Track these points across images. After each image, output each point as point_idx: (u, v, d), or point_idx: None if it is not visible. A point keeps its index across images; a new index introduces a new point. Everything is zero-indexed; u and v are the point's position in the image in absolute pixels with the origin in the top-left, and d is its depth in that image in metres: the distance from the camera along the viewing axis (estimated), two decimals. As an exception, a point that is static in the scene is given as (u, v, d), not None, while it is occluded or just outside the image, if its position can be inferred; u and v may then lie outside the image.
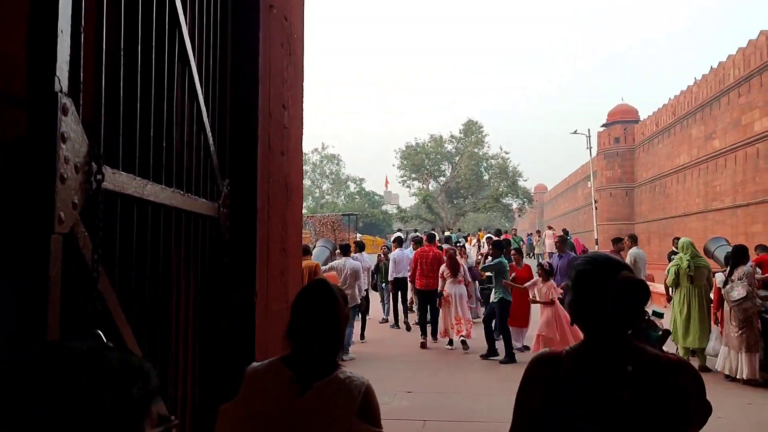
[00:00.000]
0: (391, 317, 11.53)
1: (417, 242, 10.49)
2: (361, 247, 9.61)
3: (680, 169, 36.31)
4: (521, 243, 23.54)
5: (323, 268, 8.13)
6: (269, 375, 1.65)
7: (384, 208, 58.50)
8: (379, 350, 8.79)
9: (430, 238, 10.60)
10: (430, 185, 49.74)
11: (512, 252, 8.81)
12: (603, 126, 45.52)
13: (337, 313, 1.64)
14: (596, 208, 33.48)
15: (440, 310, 9.07)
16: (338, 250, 9.01)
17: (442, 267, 9.19)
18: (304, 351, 1.58)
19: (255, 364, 1.76)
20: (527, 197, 46.92)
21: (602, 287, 1.48)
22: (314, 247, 8.88)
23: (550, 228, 23.93)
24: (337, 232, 25.38)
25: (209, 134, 2.25)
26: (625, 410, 1.43)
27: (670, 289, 8.33)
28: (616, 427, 1.42)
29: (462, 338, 8.83)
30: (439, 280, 9.18)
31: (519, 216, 53.72)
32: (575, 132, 35.29)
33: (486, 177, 48.31)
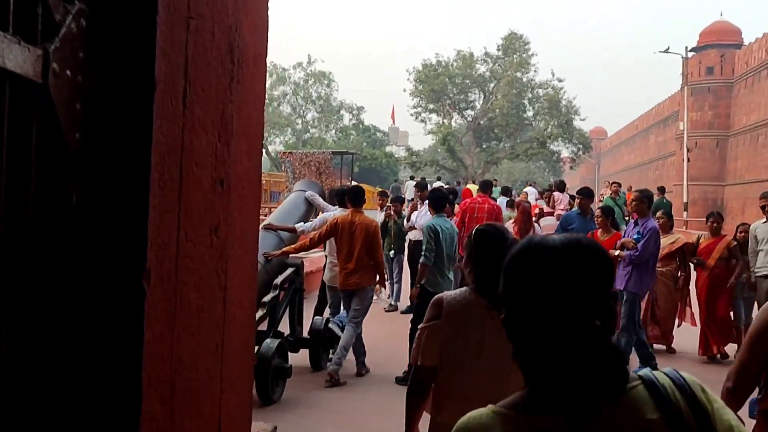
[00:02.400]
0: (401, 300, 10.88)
1: (435, 200, 8.50)
2: (356, 196, 7.74)
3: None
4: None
5: (302, 226, 7.05)
6: (465, 303, 2.84)
7: (388, 149, 57.30)
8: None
9: (485, 186, 10.75)
10: (453, 120, 48.54)
11: (598, 214, 7.74)
12: (692, 51, 43.74)
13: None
14: (688, 159, 32.11)
15: None
16: (335, 198, 7.88)
17: (508, 225, 8.88)
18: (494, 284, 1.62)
19: (448, 293, 3.04)
20: (584, 143, 45.71)
21: None
22: (288, 192, 7.69)
23: (615, 183, 22.85)
24: (325, 177, 24.33)
25: None
26: None
27: None
28: None
29: None
30: None
31: (572, 168, 52.48)
32: (667, 50, 33.58)
33: (530, 113, 47.03)
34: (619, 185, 15.62)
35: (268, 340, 5.61)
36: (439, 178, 32.15)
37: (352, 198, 7.45)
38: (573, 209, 9.09)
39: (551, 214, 11.11)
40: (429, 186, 13.80)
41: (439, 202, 7.37)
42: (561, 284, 1.24)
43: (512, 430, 1.28)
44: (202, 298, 1.80)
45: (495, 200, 10.97)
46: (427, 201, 10.87)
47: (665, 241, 7.91)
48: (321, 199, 7.56)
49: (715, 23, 44.56)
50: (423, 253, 6.80)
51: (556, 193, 12.33)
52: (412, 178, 31.50)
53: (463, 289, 2.95)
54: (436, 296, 3.03)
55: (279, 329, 6.16)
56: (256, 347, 5.38)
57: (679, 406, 1.25)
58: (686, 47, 38.24)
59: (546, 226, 9.92)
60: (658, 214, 8.40)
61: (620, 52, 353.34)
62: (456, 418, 1.40)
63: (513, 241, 2.81)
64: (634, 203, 7.44)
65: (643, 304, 7.68)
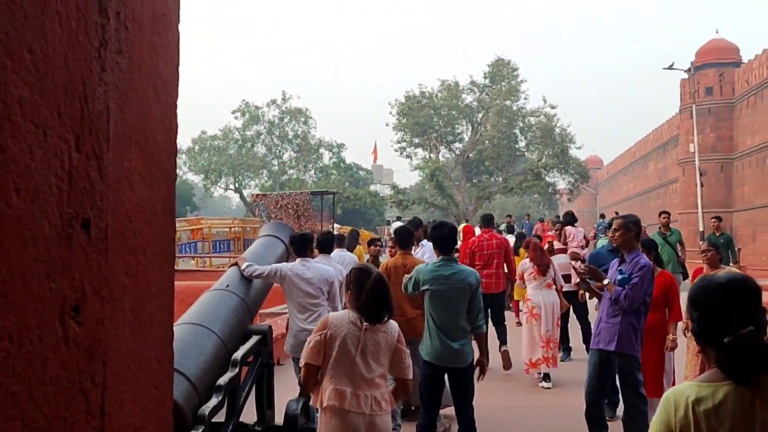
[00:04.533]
0: None
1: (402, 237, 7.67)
2: (404, 238, 7.40)
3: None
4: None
5: (262, 269, 5.90)
6: (346, 319, 4.03)
7: (373, 188, 56.67)
8: None
9: (487, 220, 10.61)
10: (440, 154, 48.07)
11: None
12: (687, 72, 43.69)
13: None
14: (701, 184, 31.49)
15: (523, 326, 9.10)
16: (314, 245, 6.86)
17: (525, 263, 9.02)
18: (369, 309, 4.03)
19: (332, 314, 4.34)
20: (582, 173, 45.28)
21: None
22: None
23: (616, 214, 22.26)
24: (304, 220, 23.49)
25: None
26: None
27: None
28: None
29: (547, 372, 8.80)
30: (517, 280, 9.47)
31: (570, 200, 51.99)
32: (671, 66, 33.34)
33: (522, 143, 46.69)
34: (669, 214, 12.99)
35: None
36: (398, 218, 32.17)
37: (399, 239, 7.34)
38: (600, 246, 8.13)
39: (563, 251, 10.34)
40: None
41: (408, 236, 6.85)
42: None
43: (708, 393, 2.04)
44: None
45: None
46: (424, 241, 10.26)
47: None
48: (262, 267, 5.95)
49: (711, 41, 44.73)
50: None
51: (568, 228, 11.48)
52: (398, 218, 30.88)
53: (344, 311, 4.31)
54: (324, 317, 4.31)
55: (241, 420, 4.95)
56: None
57: None
58: (692, 62, 37.96)
59: (560, 265, 9.37)
60: (703, 246, 7.47)
61: (611, 75, 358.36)
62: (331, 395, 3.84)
63: (378, 277, 4.21)
64: (617, 233, 5.92)
65: None
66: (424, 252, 9.99)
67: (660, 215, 12.55)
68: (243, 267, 5.84)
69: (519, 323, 10.82)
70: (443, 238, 5.97)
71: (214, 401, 4.44)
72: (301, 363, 4.06)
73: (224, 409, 4.66)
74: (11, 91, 0.95)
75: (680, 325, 6.72)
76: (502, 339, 9.14)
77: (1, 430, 0.94)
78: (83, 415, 1.11)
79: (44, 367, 1.02)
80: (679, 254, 11.81)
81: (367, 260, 9.62)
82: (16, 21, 0.97)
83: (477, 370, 5.66)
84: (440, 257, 5.88)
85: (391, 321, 4.10)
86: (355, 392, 3.86)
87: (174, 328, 4.73)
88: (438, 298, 5.62)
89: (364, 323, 3.92)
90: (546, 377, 8.74)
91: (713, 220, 14.28)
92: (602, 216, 26.95)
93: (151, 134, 1.37)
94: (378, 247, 9.99)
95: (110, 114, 1.20)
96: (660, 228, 12.19)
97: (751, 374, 1.99)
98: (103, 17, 1.17)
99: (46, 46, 1.03)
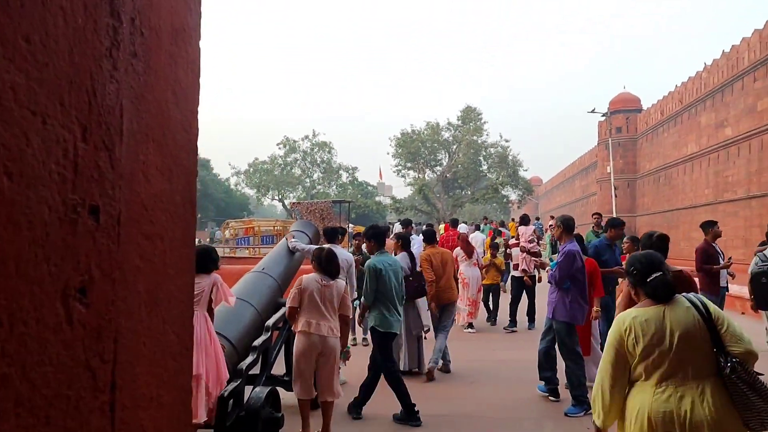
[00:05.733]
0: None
1: (376, 237, 5.96)
2: (429, 235, 7.46)
3: (688, 159, 34.40)
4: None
5: (304, 246, 5.68)
6: (312, 277, 4.46)
7: (377, 198, 56.29)
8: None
9: (454, 222, 12.07)
10: (426, 175, 47.61)
11: (626, 241, 6.23)
12: (603, 115, 43.50)
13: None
14: (616, 196, 31.14)
15: (460, 290, 9.08)
16: (325, 236, 6.51)
17: (458, 250, 9.20)
18: (325, 272, 4.51)
19: (305, 275, 4.56)
20: (527, 188, 44.93)
21: None
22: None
23: (552, 217, 21.85)
24: (327, 222, 23.16)
25: None
26: None
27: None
28: None
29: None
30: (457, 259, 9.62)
31: (518, 207, 51.69)
32: (593, 111, 33.19)
33: (484, 166, 46.27)
34: (600, 215, 11.08)
35: (257, 389, 4.16)
36: (399, 221, 31.06)
37: (426, 236, 7.46)
38: (601, 239, 7.38)
39: (516, 245, 10.08)
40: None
41: (381, 238, 5.68)
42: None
43: (641, 312, 2.56)
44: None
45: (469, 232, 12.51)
46: (413, 235, 9.98)
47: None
48: (303, 244, 5.72)
49: (620, 94, 44.26)
50: (363, 292, 5.31)
51: (521, 227, 11.15)
52: (399, 221, 30.30)
53: (312, 274, 4.55)
54: (300, 277, 4.59)
55: (273, 373, 4.69)
56: (245, 397, 4.08)
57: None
58: (609, 110, 38.04)
59: (514, 257, 9.92)
60: (625, 239, 6.75)
61: (549, 116, 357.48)
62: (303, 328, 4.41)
63: (329, 251, 4.68)
64: (554, 229, 5.85)
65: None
66: (415, 242, 9.72)
67: (593, 215, 11.23)
68: (291, 244, 5.65)
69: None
70: (378, 235, 5.64)
71: (250, 359, 4.15)
72: (287, 306, 4.50)
73: (258, 365, 4.39)
74: (2, 76, 0.69)
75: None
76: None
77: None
78: (90, 392, 0.84)
79: (42, 348, 0.75)
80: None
81: (352, 250, 9.10)
82: (11, 10, 0.70)
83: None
84: (378, 251, 5.52)
85: (338, 279, 4.64)
86: (318, 322, 4.36)
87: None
88: (385, 279, 5.25)
89: (323, 281, 4.47)
90: (470, 326, 9.40)
91: (594, 215, 11.13)
92: (537, 218, 26.75)
93: (170, 134, 1.09)
94: (360, 241, 9.53)
95: (123, 110, 0.93)
96: (593, 227, 10.74)
97: (663, 297, 2.57)
98: (115, 20, 0.90)
99: (47, 38, 0.76)
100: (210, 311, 3.97)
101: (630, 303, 4.53)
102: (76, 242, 0.81)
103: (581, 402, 5.26)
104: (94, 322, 0.84)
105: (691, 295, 2.63)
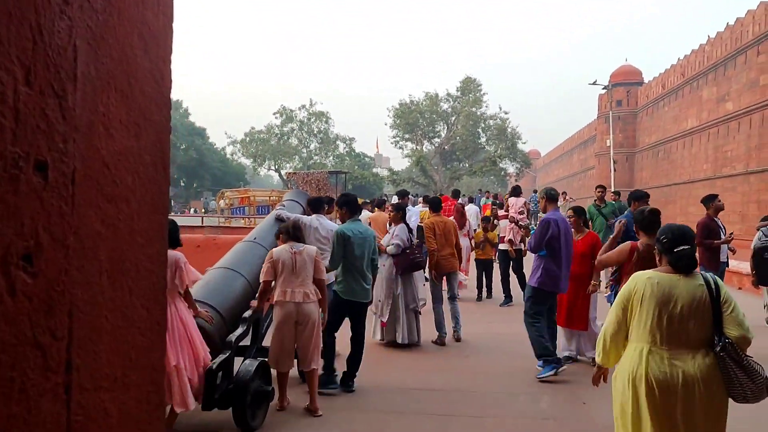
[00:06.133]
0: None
1: (348, 204, 5.64)
2: (435, 203, 7.66)
3: (687, 133, 34.18)
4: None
5: (290, 215, 5.51)
6: (283, 249, 4.45)
7: (375, 170, 55.93)
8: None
9: (455, 193, 11.77)
10: (424, 146, 47.26)
11: (570, 214, 6.19)
12: (604, 88, 43.03)
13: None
14: (614, 170, 31.08)
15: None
16: (310, 206, 6.10)
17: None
18: (294, 239, 4.52)
19: (276, 248, 4.56)
20: (525, 161, 44.72)
21: None
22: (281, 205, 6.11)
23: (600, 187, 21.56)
24: (323, 193, 23.01)
25: None
26: None
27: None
28: None
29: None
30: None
31: (516, 180, 51.58)
32: (595, 82, 32.75)
33: (483, 138, 45.91)
34: (604, 188, 9.91)
35: (247, 362, 4.08)
36: (397, 193, 30.88)
37: (431, 205, 7.61)
38: (627, 214, 6.85)
39: (505, 217, 10.11)
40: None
41: (353, 205, 5.45)
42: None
43: (658, 275, 2.74)
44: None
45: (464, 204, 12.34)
46: (410, 206, 9.94)
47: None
48: (287, 212, 5.59)
49: (622, 66, 43.70)
50: (330, 258, 5.17)
51: (511, 198, 11.04)
52: (397, 194, 30.18)
53: (283, 245, 4.57)
54: (270, 250, 4.57)
55: (264, 344, 4.58)
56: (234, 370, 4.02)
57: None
58: (610, 82, 37.47)
59: (503, 229, 10.02)
60: (568, 212, 6.20)
61: (549, 89, 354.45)
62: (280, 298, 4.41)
63: (295, 221, 4.93)
64: (539, 201, 6.01)
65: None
66: (411, 214, 9.70)
67: (596, 189, 9.88)
68: (277, 212, 5.62)
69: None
70: (350, 203, 5.48)
71: (240, 330, 4.07)
72: (261, 280, 4.41)
73: (249, 337, 4.31)
74: None
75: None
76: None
77: None
78: (39, 372, 0.74)
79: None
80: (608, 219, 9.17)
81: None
82: None
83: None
84: (351, 218, 5.37)
85: (307, 245, 4.66)
86: (292, 290, 4.38)
87: (210, 272, 4.36)
88: (353, 246, 5.13)
89: (293, 249, 4.48)
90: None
91: (598, 189, 9.84)
92: (534, 191, 26.65)
93: (137, 84, 0.97)
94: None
95: (78, 52, 0.80)
96: (595, 200, 9.73)
97: (684, 269, 2.73)
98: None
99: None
100: (187, 295, 3.78)
101: (612, 248, 4.74)
102: (18, 202, 0.70)
103: (548, 362, 5.42)
104: (43, 294, 0.74)
105: (708, 274, 2.81)
